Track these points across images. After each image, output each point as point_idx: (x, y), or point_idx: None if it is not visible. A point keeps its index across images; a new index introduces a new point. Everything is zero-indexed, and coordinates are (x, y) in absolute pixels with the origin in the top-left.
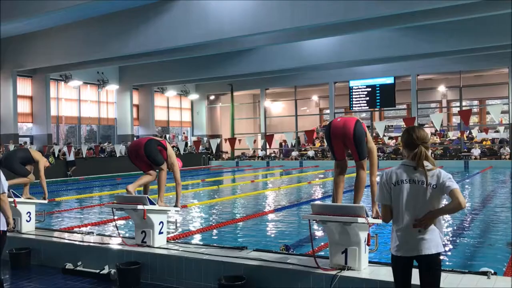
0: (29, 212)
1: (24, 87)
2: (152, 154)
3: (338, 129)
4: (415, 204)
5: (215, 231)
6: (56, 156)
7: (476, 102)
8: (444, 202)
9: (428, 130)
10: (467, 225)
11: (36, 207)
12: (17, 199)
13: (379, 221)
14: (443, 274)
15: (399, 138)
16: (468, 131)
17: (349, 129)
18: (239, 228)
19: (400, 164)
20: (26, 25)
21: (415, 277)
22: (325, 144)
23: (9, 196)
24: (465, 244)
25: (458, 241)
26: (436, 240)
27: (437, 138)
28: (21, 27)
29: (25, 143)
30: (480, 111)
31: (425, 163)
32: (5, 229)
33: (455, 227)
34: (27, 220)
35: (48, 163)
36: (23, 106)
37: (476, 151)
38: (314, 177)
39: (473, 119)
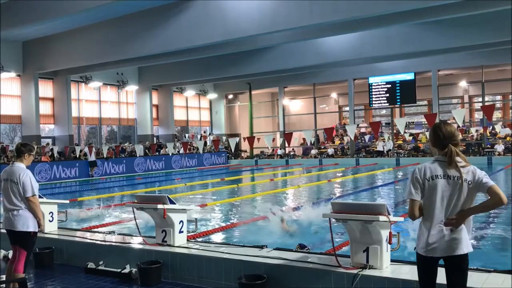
0: (51, 212)
1: (46, 89)
2: None
3: None
4: (450, 201)
5: (235, 230)
6: (77, 156)
7: (499, 97)
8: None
9: None
10: (492, 222)
11: (58, 207)
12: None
13: (401, 219)
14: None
15: (420, 135)
16: (491, 127)
17: None
18: (258, 226)
19: (433, 160)
20: (47, 28)
21: (439, 275)
22: (345, 141)
23: None
24: (490, 242)
25: (482, 239)
26: (466, 239)
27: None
28: (42, 29)
29: (48, 144)
30: (503, 106)
31: (458, 159)
32: (37, 230)
33: (479, 225)
34: (49, 220)
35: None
36: (45, 108)
37: (499, 147)
38: (334, 175)
39: (496, 115)
